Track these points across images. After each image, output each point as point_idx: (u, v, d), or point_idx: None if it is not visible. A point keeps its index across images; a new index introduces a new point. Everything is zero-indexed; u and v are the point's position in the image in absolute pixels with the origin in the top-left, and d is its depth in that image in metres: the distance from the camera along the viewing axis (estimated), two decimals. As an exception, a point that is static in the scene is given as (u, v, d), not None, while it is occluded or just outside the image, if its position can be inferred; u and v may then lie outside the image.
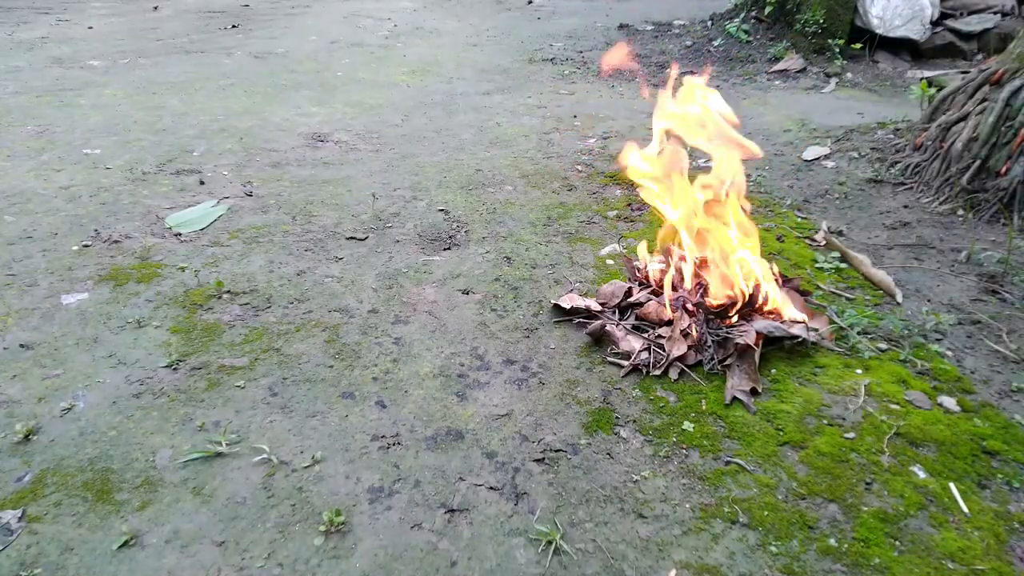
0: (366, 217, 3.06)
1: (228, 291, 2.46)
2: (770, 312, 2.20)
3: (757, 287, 2.17)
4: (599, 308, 2.29)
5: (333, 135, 4.12)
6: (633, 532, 1.55)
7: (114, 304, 2.38)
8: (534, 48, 6.60)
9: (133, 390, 1.97)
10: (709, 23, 6.98)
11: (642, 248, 2.48)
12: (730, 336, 2.06)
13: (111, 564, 1.46)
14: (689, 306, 2.19)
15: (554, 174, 3.57)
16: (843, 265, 2.67)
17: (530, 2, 9.02)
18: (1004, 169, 3.03)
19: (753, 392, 1.94)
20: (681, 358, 2.05)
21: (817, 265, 2.67)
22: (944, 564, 1.47)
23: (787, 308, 2.20)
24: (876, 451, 1.76)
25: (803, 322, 2.14)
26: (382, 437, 1.81)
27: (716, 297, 2.18)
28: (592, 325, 2.18)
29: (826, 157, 3.82)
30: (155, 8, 8.30)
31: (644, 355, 2.08)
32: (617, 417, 1.89)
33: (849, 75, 5.57)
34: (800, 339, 2.10)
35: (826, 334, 2.19)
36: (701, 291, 2.21)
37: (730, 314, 2.15)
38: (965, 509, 1.60)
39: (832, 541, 1.52)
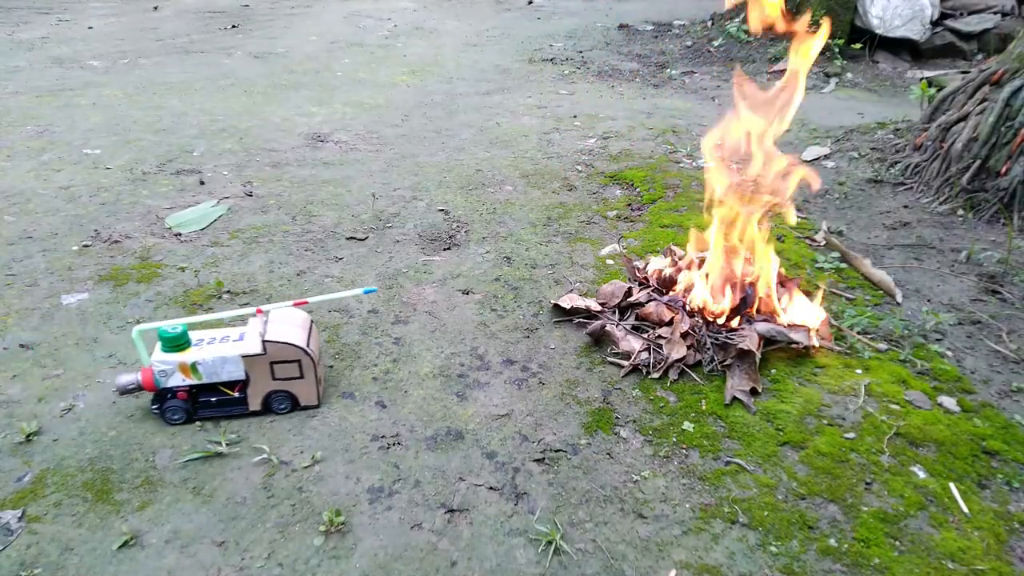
0: (366, 217, 3.06)
1: (228, 291, 2.46)
2: (773, 314, 2.20)
3: (754, 289, 2.17)
4: (599, 308, 2.29)
5: (333, 135, 4.12)
6: (633, 532, 1.55)
7: (114, 304, 2.38)
8: (534, 48, 6.61)
9: (133, 390, 1.97)
10: (709, 23, 6.98)
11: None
12: (730, 341, 2.06)
13: (111, 564, 1.46)
14: (689, 307, 2.19)
15: (554, 174, 3.57)
16: (843, 265, 2.67)
17: (530, 2, 9.02)
18: (1004, 169, 3.03)
19: (753, 392, 1.94)
20: (681, 358, 2.05)
21: (817, 265, 2.67)
22: (944, 564, 1.47)
23: (792, 313, 2.19)
24: (876, 451, 1.76)
25: (803, 326, 2.13)
26: (382, 437, 1.81)
27: (717, 301, 2.18)
28: (592, 325, 2.17)
29: (826, 157, 3.82)
30: (155, 8, 8.30)
31: (644, 355, 2.08)
32: (617, 417, 1.89)
33: (849, 75, 5.57)
34: (802, 345, 2.09)
35: (825, 334, 2.19)
36: (704, 295, 2.21)
37: (729, 319, 2.15)
38: (965, 509, 1.60)
39: (832, 541, 1.52)
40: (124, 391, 1.81)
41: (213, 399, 1.85)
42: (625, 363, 2.07)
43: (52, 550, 1.49)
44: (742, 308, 2.15)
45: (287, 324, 1.84)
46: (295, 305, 1.90)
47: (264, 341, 1.78)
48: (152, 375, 1.78)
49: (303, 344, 1.81)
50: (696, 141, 4.04)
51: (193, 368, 1.79)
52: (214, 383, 1.83)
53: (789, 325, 2.15)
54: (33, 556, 1.47)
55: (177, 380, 1.80)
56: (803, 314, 2.19)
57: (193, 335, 1.83)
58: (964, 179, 3.13)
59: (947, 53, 5.92)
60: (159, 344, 1.79)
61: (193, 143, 3.90)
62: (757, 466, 1.72)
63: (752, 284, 2.18)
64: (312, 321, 1.94)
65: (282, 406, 1.87)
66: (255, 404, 1.85)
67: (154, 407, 1.83)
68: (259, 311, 1.87)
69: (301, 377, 1.83)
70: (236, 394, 1.85)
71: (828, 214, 3.16)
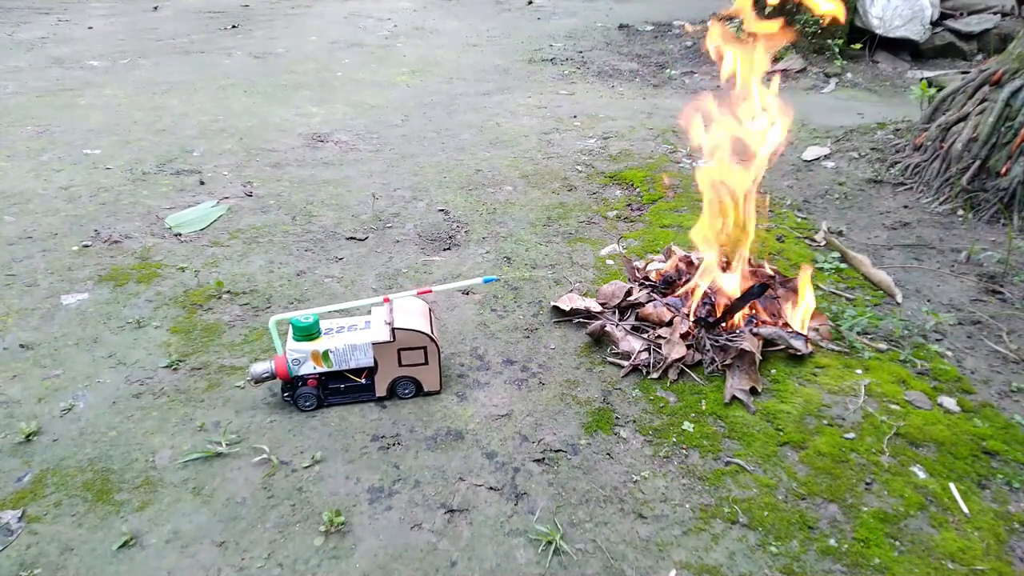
0: (366, 217, 3.06)
1: (228, 291, 2.46)
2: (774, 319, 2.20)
3: (770, 285, 2.17)
4: (599, 308, 2.29)
5: (333, 135, 4.12)
6: (633, 532, 1.55)
7: (114, 304, 2.38)
8: (534, 48, 6.60)
9: (133, 390, 1.97)
10: (709, 23, 6.98)
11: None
12: (730, 343, 2.05)
13: (111, 564, 1.46)
14: (688, 311, 2.19)
15: (554, 174, 3.57)
16: (843, 265, 2.67)
17: (530, 2, 9.02)
18: (1004, 169, 3.03)
19: (752, 391, 1.94)
20: (680, 358, 2.05)
21: (817, 265, 2.67)
22: (944, 564, 1.47)
23: (795, 319, 2.19)
24: (876, 451, 1.76)
25: (804, 335, 2.12)
26: (382, 437, 1.81)
27: (717, 306, 2.17)
28: (592, 325, 2.17)
29: (826, 157, 3.82)
30: (155, 8, 8.30)
31: (644, 355, 2.07)
32: (617, 417, 1.89)
33: (849, 75, 5.57)
34: (799, 353, 2.08)
35: (824, 333, 2.19)
36: (705, 300, 2.21)
37: (726, 322, 2.14)
38: (965, 509, 1.60)
39: (832, 541, 1.52)
40: (258, 380, 1.86)
41: (342, 386, 1.90)
42: (625, 363, 2.07)
43: (52, 550, 1.49)
44: (741, 304, 2.14)
45: (411, 312, 1.90)
46: (418, 294, 1.95)
47: (393, 329, 1.83)
48: (285, 363, 1.83)
49: (429, 331, 1.87)
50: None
51: (325, 356, 1.84)
52: (342, 370, 1.88)
53: (784, 325, 2.15)
54: (33, 556, 1.47)
55: (308, 368, 1.85)
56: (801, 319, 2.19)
57: (322, 324, 1.89)
58: (964, 179, 3.13)
59: (947, 53, 5.91)
60: (291, 333, 1.85)
61: (193, 143, 3.90)
62: (757, 466, 1.72)
63: (764, 283, 2.17)
64: (431, 310, 2.00)
65: (407, 391, 1.93)
66: (381, 390, 1.92)
67: (285, 395, 1.89)
68: (386, 299, 1.93)
69: (426, 363, 1.90)
70: (363, 380, 1.90)
71: (828, 214, 3.16)
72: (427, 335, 1.86)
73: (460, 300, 2.44)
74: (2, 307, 2.35)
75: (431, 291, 1.95)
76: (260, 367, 1.86)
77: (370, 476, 1.69)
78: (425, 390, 1.94)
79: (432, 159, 3.77)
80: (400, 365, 1.88)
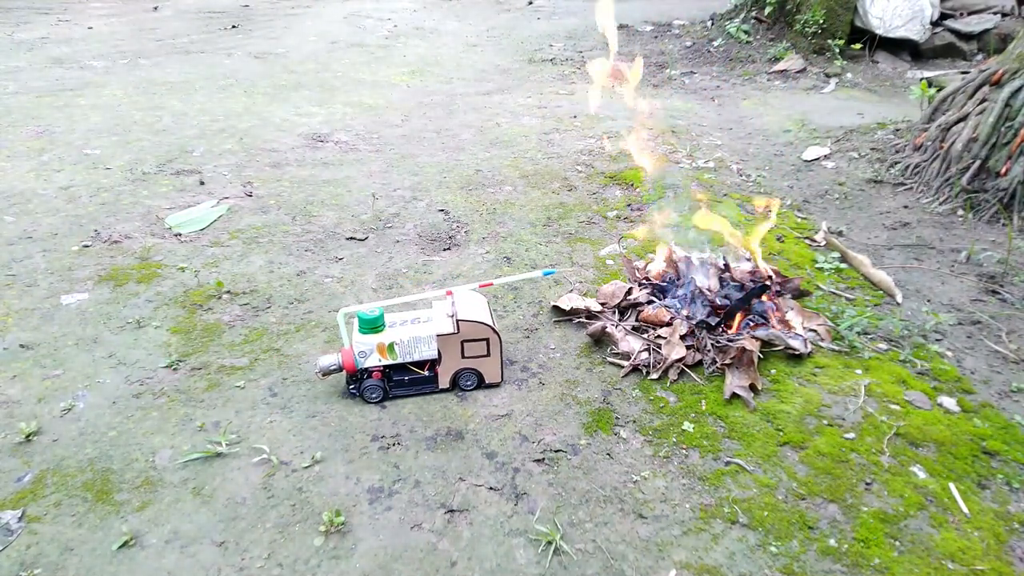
0: (366, 217, 3.05)
1: (228, 291, 2.46)
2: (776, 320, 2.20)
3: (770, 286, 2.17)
4: (599, 308, 2.29)
5: (333, 135, 4.12)
6: (633, 532, 1.55)
7: (114, 304, 2.38)
8: (534, 48, 6.60)
9: (133, 390, 1.97)
10: (709, 23, 6.98)
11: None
12: (730, 343, 2.05)
13: (111, 564, 1.46)
14: (687, 313, 2.19)
15: (554, 174, 3.57)
16: (843, 265, 2.67)
17: (530, 2, 9.02)
18: (1004, 169, 3.03)
19: (752, 389, 1.94)
20: (680, 359, 2.05)
21: (817, 265, 2.67)
22: (944, 564, 1.47)
23: (794, 319, 2.19)
24: (876, 451, 1.76)
25: (802, 336, 2.12)
26: (382, 437, 1.81)
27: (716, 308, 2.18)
28: (593, 326, 2.17)
29: (826, 157, 3.82)
30: (155, 8, 8.30)
31: (644, 355, 2.07)
32: (617, 417, 1.89)
33: (849, 75, 5.57)
34: (798, 352, 2.08)
35: (824, 334, 2.19)
36: (705, 302, 2.21)
37: (727, 324, 2.14)
38: (965, 509, 1.60)
39: (832, 541, 1.52)
40: (326, 372, 1.88)
41: (406, 378, 1.92)
42: (625, 363, 2.07)
43: (52, 550, 1.49)
44: (741, 304, 2.15)
45: (473, 305, 1.92)
46: (480, 287, 1.97)
47: (457, 321, 1.86)
48: (352, 356, 1.85)
49: (492, 323, 1.89)
50: (696, 141, 4.04)
51: (391, 348, 1.86)
52: (406, 363, 1.90)
53: (783, 323, 2.15)
54: (33, 556, 1.47)
55: (374, 360, 1.87)
56: (800, 320, 2.19)
57: (386, 317, 1.90)
58: (964, 179, 3.13)
59: (947, 53, 5.91)
60: (356, 326, 1.87)
61: (193, 143, 3.90)
62: (757, 466, 1.72)
63: (764, 283, 2.17)
64: (489, 303, 2.01)
65: (468, 383, 1.96)
66: (444, 382, 1.94)
67: (351, 387, 1.91)
68: (448, 292, 1.95)
69: (488, 355, 1.91)
70: (427, 373, 1.93)
71: (828, 214, 3.16)
72: (490, 327, 1.88)
73: (460, 300, 2.44)
74: (2, 307, 2.35)
75: (492, 284, 1.98)
76: (328, 360, 1.88)
77: (370, 476, 1.69)
78: (487, 382, 1.96)
79: (432, 159, 3.77)
80: (463, 357, 1.90)
